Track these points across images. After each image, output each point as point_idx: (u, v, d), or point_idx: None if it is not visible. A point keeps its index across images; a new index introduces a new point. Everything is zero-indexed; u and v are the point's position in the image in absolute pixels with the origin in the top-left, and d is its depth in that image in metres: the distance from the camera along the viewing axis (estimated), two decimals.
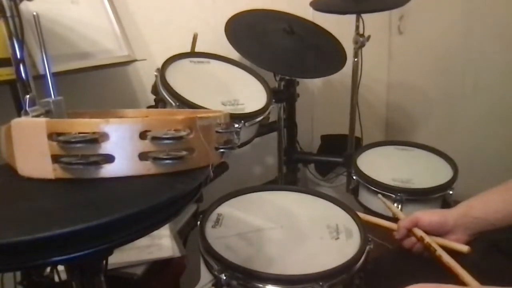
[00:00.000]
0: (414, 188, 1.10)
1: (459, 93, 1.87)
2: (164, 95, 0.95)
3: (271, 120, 1.22)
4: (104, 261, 0.51)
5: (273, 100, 1.11)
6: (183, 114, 0.61)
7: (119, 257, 0.81)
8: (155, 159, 0.45)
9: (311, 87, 1.91)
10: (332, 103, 1.95)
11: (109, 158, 0.43)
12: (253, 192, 0.97)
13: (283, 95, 1.40)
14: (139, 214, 0.39)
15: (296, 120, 1.56)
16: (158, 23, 1.31)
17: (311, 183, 1.84)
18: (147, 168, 0.45)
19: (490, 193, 0.75)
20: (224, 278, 0.69)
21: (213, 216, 0.86)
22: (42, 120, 0.43)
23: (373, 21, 1.42)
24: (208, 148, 0.49)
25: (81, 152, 0.43)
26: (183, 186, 0.45)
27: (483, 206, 0.73)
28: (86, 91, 1.13)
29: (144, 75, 1.29)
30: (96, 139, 0.42)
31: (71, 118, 0.52)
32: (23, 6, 0.71)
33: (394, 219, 0.84)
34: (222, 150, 0.53)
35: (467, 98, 1.85)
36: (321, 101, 1.95)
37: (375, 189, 1.12)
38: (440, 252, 0.71)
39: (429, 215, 0.76)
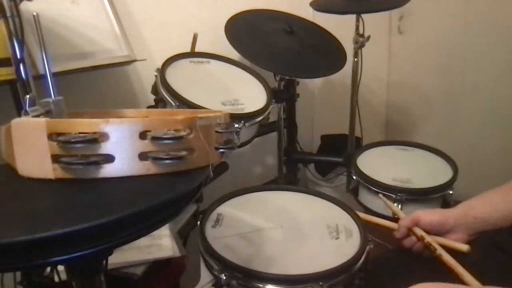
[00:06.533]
0: (414, 188, 1.10)
1: (459, 93, 1.87)
2: (164, 95, 0.95)
3: (271, 120, 1.22)
4: (104, 261, 0.51)
5: (273, 100, 1.11)
6: (183, 114, 0.61)
7: (119, 257, 0.81)
8: (155, 159, 0.45)
9: (311, 87, 1.91)
10: (332, 103, 1.95)
11: (109, 158, 0.43)
12: (253, 192, 0.97)
13: (283, 95, 1.40)
14: (139, 214, 0.39)
15: (296, 120, 1.56)
16: (158, 23, 1.31)
17: (311, 183, 1.84)
18: (147, 168, 0.45)
19: (491, 193, 0.75)
20: (224, 278, 0.69)
21: (213, 216, 0.86)
22: (42, 120, 0.43)
23: (373, 21, 1.42)
24: (208, 148, 0.49)
25: (81, 152, 0.43)
26: (183, 186, 0.45)
27: (483, 206, 0.73)
28: (86, 91, 1.13)
29: (144, 75, 1.29)
30: (96, 139, 0.42)
31: (71, 118, 0.52)
32: (23, 6, 0.71)
33: (394, 219, 0.84)
34: (222, 150, 0.53)
35: (467, 98, 1.85)
36: (321, 101, 1.95)
37: (375, 189, 1.12)
38: (440, 251, 0.71)
39: (430, 214, 0.76)
